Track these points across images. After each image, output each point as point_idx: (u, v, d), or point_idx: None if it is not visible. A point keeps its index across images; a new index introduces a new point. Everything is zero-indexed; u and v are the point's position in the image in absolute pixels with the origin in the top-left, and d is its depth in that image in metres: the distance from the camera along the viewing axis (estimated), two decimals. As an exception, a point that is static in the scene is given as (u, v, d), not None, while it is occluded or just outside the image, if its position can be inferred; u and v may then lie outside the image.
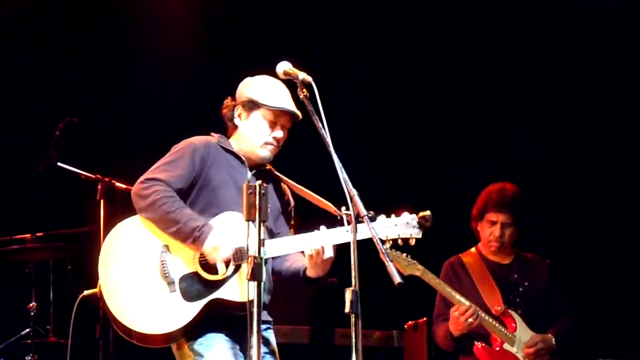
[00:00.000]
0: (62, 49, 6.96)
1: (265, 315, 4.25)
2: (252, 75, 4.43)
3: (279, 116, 4.28)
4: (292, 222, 4.49)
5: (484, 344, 5.30)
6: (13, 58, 6.90)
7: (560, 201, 7.08)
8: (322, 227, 4.16)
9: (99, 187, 5.86)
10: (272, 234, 4.30)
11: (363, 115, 7.34)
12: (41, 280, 6.27)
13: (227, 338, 4.11)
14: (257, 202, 3.55)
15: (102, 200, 5.84)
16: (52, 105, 6.73)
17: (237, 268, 4.10)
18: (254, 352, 3.46)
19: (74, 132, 6.00)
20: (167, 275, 4.06)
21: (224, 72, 7.15)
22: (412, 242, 4.18)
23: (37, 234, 6.20)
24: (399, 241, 4.17)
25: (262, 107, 4.29)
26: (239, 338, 4.10)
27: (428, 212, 4.20)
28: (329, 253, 4.11)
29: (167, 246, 4.11)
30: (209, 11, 7.13)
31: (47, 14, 7.00)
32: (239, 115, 4.35)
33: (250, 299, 3.53)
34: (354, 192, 3.63)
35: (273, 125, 4.31)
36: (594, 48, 7.10)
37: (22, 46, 6.95)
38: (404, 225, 4.17)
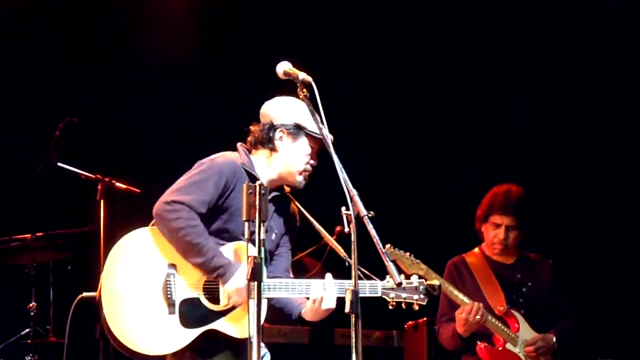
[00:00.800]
0: (62, 49, 6.96)
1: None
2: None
3: (318, 144, 4.19)
4: (291, 244, 4.42)
5: (486, 344, 5.30)
6: (13, 58, 6.91)
7: (562, 201, 7.08)
8: (328, 276, 4.09)
9: (99, 187, 5.87)
10: (271, 255, 4.27)
11: (363, 115, 7.34)
12: (41, 280, 6.27)
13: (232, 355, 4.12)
14: (257, 202, 3.55)
15: (102, 200, 5.85)
16: (52, 105, 6.73)
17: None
18: (254, 352, 3.46)
19: (74, 132, 6.01)
20: (169, 296, 4.02)
21: (224, 72, 7.17)
22: (416, 307, 4.17)
23: (37, 234, 6.20)
24: (403, 304, 4.16)
25: (309, 134, 4.19)
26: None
27: (437, 282, 4.19)
28: (331, 305, 4.07)
29: (174, 265, 4.07)
30: (209, 11, 7.13)
31: (47, 14, 7.00)
32: (280, 139, 4.23)
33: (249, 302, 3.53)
34: (354, 192, 3.63)
35: (314, 152, 4.25)
36: (595, 47, 7.09)
37: (22, 46, 6.96)
38: (412, 290, 4.15)
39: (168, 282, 4.04)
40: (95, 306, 4.07)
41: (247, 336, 4.05)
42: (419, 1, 7.32)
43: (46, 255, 6.28)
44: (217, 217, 4.13)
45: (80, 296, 4.37)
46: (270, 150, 4.25)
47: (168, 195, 4.08)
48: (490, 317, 5.25)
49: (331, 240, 4.24)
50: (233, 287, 4.02)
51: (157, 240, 4.08)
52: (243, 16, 7.29)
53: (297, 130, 4.22)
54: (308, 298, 4.09)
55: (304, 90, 3.88)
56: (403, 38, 7.30)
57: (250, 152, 4.30)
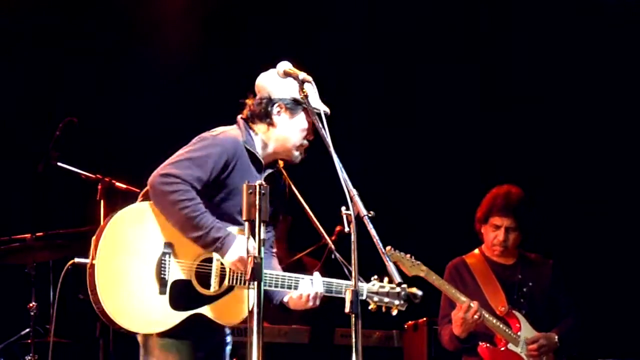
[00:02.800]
0: (62, 49, 6.96)
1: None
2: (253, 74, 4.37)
3: (315, 119, 4.02)
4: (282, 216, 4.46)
5: (488, 344, 5.30)
6: (13, 58, 6.91)
7: (562, 201, 7.09)
8: (316, 274, 4.14)
9: (99, 187, 5.86)
10: None
11: (363, 116, 7.34)
12: (41, 280, 6.26)
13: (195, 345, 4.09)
14: (257, 202, 3.55)
15: (102, 200, 5.84)
16: (52, 105, 6.73)
17: (230, 289, 4.07)
18: (254, 352, 3.46)
19: (74, 132, 6.00)
20: (162, 275, 3.97)
21: (224, 72, 7.17)
22: (394, 312, 4.24)
23: (37, 234, 6.19)
24: (383, 308, 4.23)
25: (307, 108, 4.09)
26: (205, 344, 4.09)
27: (420, 292, 4.25)
28: (316, 303, 4.14)
29: (171, 245, 4.00)
30: (209, 11, 7.13)
31: (47, 14, 7.00)
32: (278, 114, 4.18)
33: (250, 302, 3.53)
34: (354, 192, 3.63)
35: (311, 127, 4.18)
36: (594, 47, 7.10)
37: (22, 46, 6.95)
38: (394, 295, 4.23)
39: (162, 261, 3.98)
40: (85, 273, 3.97)
41: (233, 323, 4.09)
42: (419, 1, 7.34)
43: (46, 255, 6.28)
44: (214, 194, 4.07)
45: (71, 262, 4.29)
46: (267, 125, 4.20)
47: (164, 167, 3.99)
48: (491, 318, 5.26)
49: (314, 220, 4.24)
50: (234, 257, 3.97)
51: (157, 216, 4.01)
52: (243, 16, 7.29)
53: (295, 105, 4.16)
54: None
55: (304, 90, 3.88)
56: (403, 38, 7.31)
57: (250, 127, 4.23)
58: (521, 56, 7.27)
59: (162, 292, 3.97)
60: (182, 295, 3.99)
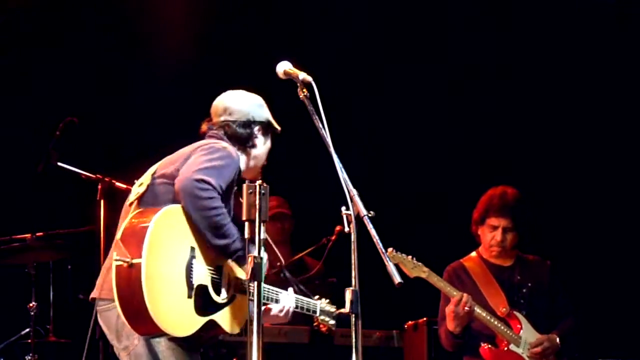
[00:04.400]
0: (62, 48, 6.96)
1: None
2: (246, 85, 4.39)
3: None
4: None
5: (489, 345, 5.31)
6: (13, 58, 6.91)
7: (561, 201, 7.09)
8: (290, 290, 4.28)
9: (99, 187, 5.86)
10: None
11: (363, 116, 7.34)
12: (41, 280, 6.27)
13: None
14: (257, 202, 3.55)
15: (102, 200, 5.84)
16: (52, 105, 6.73)
17: (233, 298, 4.10)
18: (254, 352, 3.46)
19: (74, 132, 6.00)
20: (190, 279, 3.96)
21: (224, 72, 7.17)
22: (325, 329, 4.42)
23: (37, 234, 6.19)
24: (321, 326, 4.43)
25: (274, 131, 4.34)
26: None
27: (333, 322, 4.46)
28: (289, 318, 4.24)
29: (194, 249, 4.01)
30: (209, 11, 7.13)
31: (47, 14, 7.00)
32: (256, 136, 4.31)
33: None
34: (354, 192, 3.63)
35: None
36: (595, 43, 7.11)
37: (22, 46, 6.96)
38: (329, 313, 4.46)
39: (190, 265, 3.98)
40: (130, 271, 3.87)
41: (236, 331, 4.11)
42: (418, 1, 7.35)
43: (46, 255, 6.28)
44: None
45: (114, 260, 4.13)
46: (247, 147, 4.30)
47: (197, 173, 3.98)
48: (491, 319, 5.27)
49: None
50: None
51: (186, 220, 4.00)
52: (243, 16, 7.29)
53: (269, 127, 4.34)
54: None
55: (304, 90, 3.88)
56: (402, 37, 7.31)
57: None
58: (521, 56, 7.26)
59: (189, 295, 3.96)
60: (202, 300, 4.00)
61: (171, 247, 3.95)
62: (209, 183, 3.96)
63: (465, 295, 5.21)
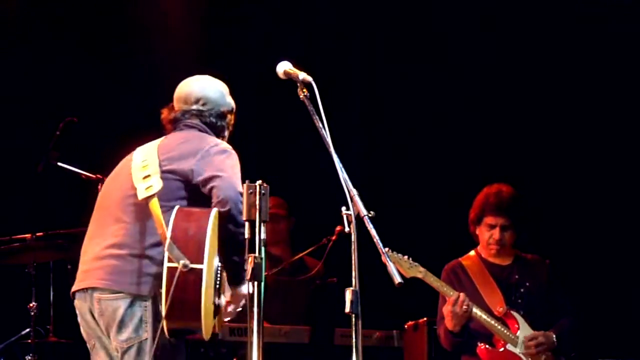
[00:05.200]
0: (62, 48, 6.96)
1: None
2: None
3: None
4: None
5: (487, 345, 5.31)
6: (13, 57, 6.91)
7: (560, 201, 7.09)
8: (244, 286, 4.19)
9: (99, 187, 5.86)
10: None
11: (363, 116, 7.34)
12: (41, 280, 6.27)
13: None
14: (257, 202, 3.55)
15: (102, 200, 5.82)
16: (52, 105, 6.73)
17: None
18: (254, 352, 3.46)
19: (74, 132, 6.00)
20: (217, 284, 4.01)
21: (224, 72, 7.16)
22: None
23: (37, 234, 6.19)
24: None
25: (234, 114, 4.40)
26: None
27: None
28: (230, 316, 4.24)
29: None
30: (209, 11, 7.13)
31: (47, 13, 7.00)
32: (227, 128, 4.38)
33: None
34: (354, 192, 3.63)
35: None
36: (594, 47, 7.11)
37: (22, 46, 6.95)
38: None
39: (218, 270, 4.02)
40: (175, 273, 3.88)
41: (207, 337, 4.05)
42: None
43: (46, 255, 6.28)
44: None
45: (182, 268, 3.93)
46: (219, 137, 4.32)
47: (237, 184, 4.03)
48: (489, 319, 5.27)
49: None
50: (245, 290, 4.04)
51: (219, 227, 4.01)
52: (243, 16, 7.29)
53: (232, 111, 4.40)
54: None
55: (304, 90, 3.88)
56: (402, 36, 7.31)
57: None
58: (520, 56, 7.27)
59: (214, 301, 4.01)
60: (216, 303, 4.04)
61: (215, 252, 3.99)
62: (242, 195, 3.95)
63: (461, 294, 5.21)
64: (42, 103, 6.84)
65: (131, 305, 4.01)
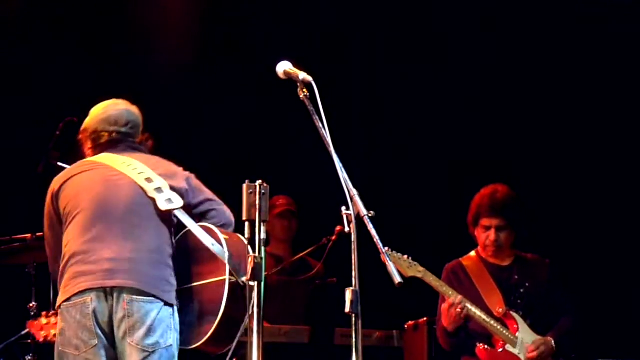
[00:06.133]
0: (62, 48, 6.96)
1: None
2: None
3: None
4: None
5: (486, 345, 5.31)
6: (13, 57, 6.90)
7: (560, 201, 7.09)
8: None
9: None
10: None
11: (362, 116, 7.34)
12: (41, 280, 6.26)
13: None
14: (257, 202, 3.55)
15: (102, 200, 5.82)
16: (52, 105, 6.73)
17: None
18: (254, 352, 3.46)
19: (74, 132, 6.00)
20: None
21: (224, 72, 7.17)
22: None
23: (37, 234, 6.18)
24: None
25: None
26: None
27: None
28: None
29: None
30: (209, 10, 7.13)
31: (47, 13, 7.00)
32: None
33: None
34: (354, 192, 3.63)
35: None
36: (595, 47, 7.11)
37: (22, 45, 6.95)
38: None
39: None
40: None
41: None
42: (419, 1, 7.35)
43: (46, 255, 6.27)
44: None
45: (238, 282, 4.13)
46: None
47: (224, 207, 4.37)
48: (487, 319, 5.28)
49: None
50: None
51: None
52: (243, 15, 7.29)
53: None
54: None
55: (304, 90, 3.88)
56: (402, 36, 7.31)
57: None
58: (520, 56, 7.27)
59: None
60: None
61: None
62: None
63: (459, 297, 5.21)
64: (42, 103, 6.84)
65: (162, 311, 4.11)
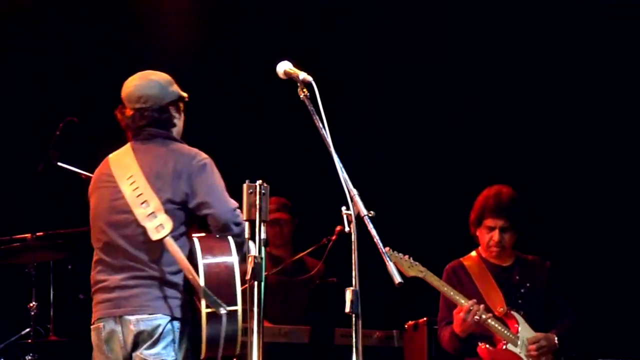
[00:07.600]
0: (62, 48, 6.96)
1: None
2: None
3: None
4: None
5: (487, 345, 5.31)
6: (13, 57, 6.91)
7: (559, 201, 7.09)
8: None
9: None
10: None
11: (362, 116, 7.34)
12: (41, 280, 6.27)
13: None
14: (257, 202, 3.55)
15: (102, 200, 5.82)
16: (52, 104, 6.73)
17: None
18: (254, 351, 3.46)
19: (74, 132, 6.00)
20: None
21: (224, 72, 7.17)
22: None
23: (37, 234, 6.19)
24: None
25: (184, 100, 4.55)
26: None
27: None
28: None
29: None
30: (209, 10, 7.13)
31: (47, 13, 7.00)
32: (174, 117, 4.52)
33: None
34: (354, 192, 3.63)
35: None
36: (595, 44, 7.11)
37: (22, 45, 6.95)
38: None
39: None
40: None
41: None
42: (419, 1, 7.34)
43: (46, 255, 6.28)
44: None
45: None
46: (169, 129, 4.51)
47: (228, 202, 4.27)
48: (489, 319, 5.26)
49: None
50: None
51: None
52: (243, 16, 7.29)
53: (180, 100, 4.57)
54: None
55: (305, 89, 3.87)
56: (402, 36, 7.31)
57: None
58: (521, 56, 7.27)
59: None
60: None
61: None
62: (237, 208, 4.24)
63: (476, 305, 5.19)
64: (42, 103, 6.84)
65: (168, 324, 4.21)
